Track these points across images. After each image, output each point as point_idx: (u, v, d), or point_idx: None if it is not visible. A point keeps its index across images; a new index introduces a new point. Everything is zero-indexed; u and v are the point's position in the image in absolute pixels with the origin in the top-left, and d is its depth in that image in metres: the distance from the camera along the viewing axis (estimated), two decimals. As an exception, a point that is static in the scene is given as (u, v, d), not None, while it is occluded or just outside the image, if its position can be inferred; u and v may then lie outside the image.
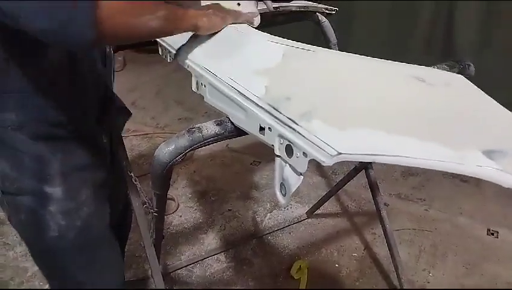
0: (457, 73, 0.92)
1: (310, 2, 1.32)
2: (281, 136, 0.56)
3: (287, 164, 0.57)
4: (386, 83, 0.60)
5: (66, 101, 0.79)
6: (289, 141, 0.55)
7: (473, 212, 1.90)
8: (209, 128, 0.70)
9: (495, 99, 0.63)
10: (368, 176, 1.46)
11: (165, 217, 1.89)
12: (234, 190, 2.08)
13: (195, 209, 1.96)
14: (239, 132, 0.70)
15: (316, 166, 2.24)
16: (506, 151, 0.48)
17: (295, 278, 1.59)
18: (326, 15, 1.33)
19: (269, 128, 0.59)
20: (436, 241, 1.76)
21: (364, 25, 2.52)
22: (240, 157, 2.31)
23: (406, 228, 1.83)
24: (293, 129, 0.54)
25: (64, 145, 0.82)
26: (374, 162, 0.57)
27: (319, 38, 1.35)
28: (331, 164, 0.49)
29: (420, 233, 1.81)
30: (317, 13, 1.32)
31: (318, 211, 1.90)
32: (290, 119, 0.56)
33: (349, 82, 0.60)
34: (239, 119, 0.66)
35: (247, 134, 0.68)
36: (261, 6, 1.16)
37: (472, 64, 0.94)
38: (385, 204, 1.96)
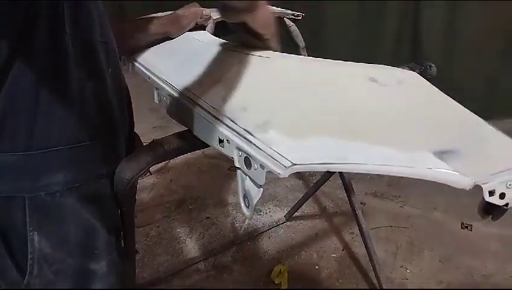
0: (420, 73, 0.94)
1: (276, 8, 1.33)
2: (238, 148, 0.56)
3: (247, 176, 0.56)
4: (340, 87, 0.61)
5: (107, 148, 0.67)
6: (246, 153, 0.54)
7: (447, 207, 1.94)
8: (171, 142, 0.69)
9: (459, 96, 0.64)
10: (341, 177, 1.48)
11: (142, 228, 1.86)
12: (212, 197, 2.06)
13: (173, 219, 1.94)
14: (202, 144, 0.70)
15: (293, 168, 2.25)
16: (459, 150, 0.49)
17: (276, 282, 1.59)
18: (293, 20, 1.34)
19: (227, 140, 0.58)
20: (413, 237, 1.79)
21: (333, 27, 2.55)
22: (216, 164, 2.30)
23: (382, 225, 1.86)
24: (249, 141, 0.54)
25: (105, 205, 0.68)
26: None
27: (289, 42, 1.36)
28: (287, 176, 0.49)
29: (396, 230, 1.83)
30: (284, 18, 1.33)
31: (296, 214, 1.90)
32: (246, 131, 0.55)
33: (306, 88, 0.61)
34: (199, 132, 0.66)
35: (209, 146, 0.68)
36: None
37: (434, 65, 0.96)
38: (361, 203, 1.99)
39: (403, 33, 2.48)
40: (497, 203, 0.47)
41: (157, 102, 0.80)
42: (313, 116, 0.55)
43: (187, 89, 0.67)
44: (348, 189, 1.48)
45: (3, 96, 0.53)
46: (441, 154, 0.47)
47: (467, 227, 1.83)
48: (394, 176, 1.75)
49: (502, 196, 0.47)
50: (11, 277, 0.60)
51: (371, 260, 1.50)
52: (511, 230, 1.74)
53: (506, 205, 0.49)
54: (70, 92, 0.57)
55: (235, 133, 0.57)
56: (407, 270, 1.64)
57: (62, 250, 0.61)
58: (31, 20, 0.52)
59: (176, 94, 0.69)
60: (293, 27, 1.35)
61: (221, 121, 0.59)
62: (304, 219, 1.91)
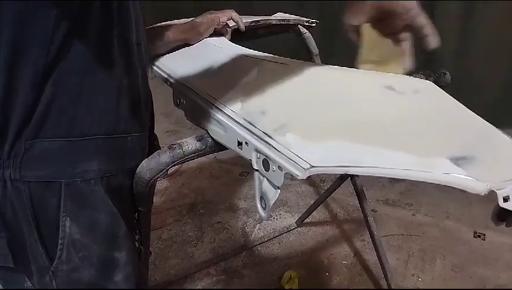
0: (434, 81, 0.95)
1: (290, 15, 1.35)
2: (257, 150, 0.57)
3: (265, 178, 0.58)
4: (357, 94, 0.62)
5: (136, 144, 0.69)
6: (265, 155, 0.56)
7: (459, 215, 1.93)
8: (190, 144, 0.71)
9: (474, 103, 0.64)
10: (354, 183, 1.48)
11: (154, 231, 1.88)
12: (223, 202, 2.07)
13: (184, 223, 1.95)
14: (219, 147, 0.71)
15: (304, 175, 2.26)
16: (474, 157, 0.49)
17: (286, 288, 1.59)
18: (307, 27, 1.36)
19: (246, 143, 0.60)
20: (424, 245, 1.78)
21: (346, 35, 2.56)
22: (228, 169, 2.31)
23: (394, 233, 1.85)
24: (268, 143, 0.55)
25: (126, 197, 0.70)
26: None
27: (302, 49, 1.38)
28: (305, 177, 0.50)
29: (408, 238, 1.82)
30: (298, 25, 1.35)
31: (307, 220, 1.91)
32: (265, 133, 0.57)
33: (322, 94, 0.62)
34: (218, 135, 0.67)
35: (227, 149, 0.69)
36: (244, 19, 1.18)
37: (448, 73, 0.97)
38: (373, 210, 1.98)
39: (415, 42, 2.47)
40: (511, 209, 0.47)
41: (175, 106, 0.82)
42: (330, 121, 0.57)
43: (206, 93, 0.69)
44: (360, 196, 1.48)
45: (52, 81, 0.55)
46: (457, 161, 0.48)
47: (479, 236, 1.81)
48: (406, 184, 1.75)
49: None
50: (41, 262, 0.62)
51: (382, 267, 1.50)
52: (525, 240, 1.72)
53: None
54: (111, 85, 0.60)
55: (254, 135, 0.58)
56: (419, 279, 1.63)
57: (89, 237, 0.63)
58: (86, 10, 0.55)
59: (195, 98, 0.71)
60: (307, 34, 1.36)
61: (240, 124, 0.61)
62: (314, 225, 1.91)
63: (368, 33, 0.66)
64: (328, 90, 0.62)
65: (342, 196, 2.00)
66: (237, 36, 1.06)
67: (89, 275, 0.64)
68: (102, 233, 0.64)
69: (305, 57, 1.39)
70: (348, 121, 0.57)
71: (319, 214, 1.95)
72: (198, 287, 1.62)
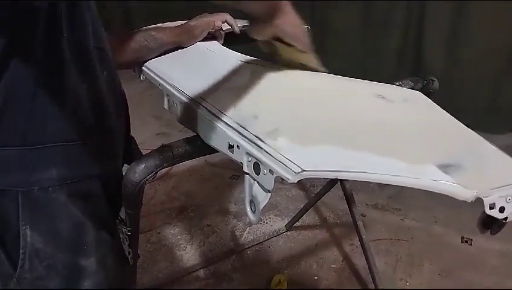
0: (421, 88, 0.96)
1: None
2: (248, 153, 0.57)
3: (255, 181, 0.58)
4: (349, 101, 0.63)
5: (101, 149, 0.68)
6: (256, 159, 0.56)
7: (448, 220, 1.95)
8: (180, 146, 0.71)
9: (464, 110, 0.66)
10: (343, 188, 1.49)
11: (143, 234, 1.87)
12: (213, 205, 2.07)
13: (174, 226, 1.94)
14: (210, 150, 0.71)
15: (294, 179, 2.26)
16: (461, 165, 0.50)
17: (275, 292, 1.59)
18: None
19: (237, 146, 0.60)
20: (413, 250, 1.79)
21: (336, 40, 2.59)
22: (218, 172, 2.31)
23: (382, 238, 1.86)
24: (259, 147, 0.55)
25: (95, 203, 0.69)
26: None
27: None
28: (296, 181, 0.51)
29: (397, 243, 1.84)
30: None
31: (297, 224, 1.91)
32: (256, 137, 0.57)
33: (315, 100, 0.62)
34: (209, 138, 0.67)
35: (218, 152, 0.69)
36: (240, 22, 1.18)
37: (436, 80, 0.98)
38: (362, 215, 1.99)
39: (405, 50, 2.51)
40: (497, 216, 0.48)
41: (166, 108, 0.81)
42: (321, 127, 0.57)
43: (198, 96, 0.69)
44: (349, 200, 1.49)
45: (1, 89, 0.54)
46: (445, 168, 0.49)
47: (467, 241, 1.83)
48: (395, 189, 1.76)
49: (502, 209, 0.49)
50: (4, 269, 0.61)
51: (370, 271, 1.51)
52: (511, 245, 1.74)
53: (505, 219, 0.50)
54: (65, 91, 0.59)
55: (245, 139, 0.58)
56: (407, 283, 1.64)
57: (53, 245, 0.62)
58: (31, 19, 0.54)
59: (187, 100, 0.71)
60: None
61: (232, 127, 0.61)
62: (304, 229, 1.92)
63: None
64: (320, 97, 0.63)
65: (332, 200, 2.00)
66: (232, 39, 1.06)
67: (55, 284, 0.63)
68: (66, 241, 0.63)
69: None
70: (339, 127, 0.57)
71: (309, 218, 1.96)
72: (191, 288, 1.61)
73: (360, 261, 1.70)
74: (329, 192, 1.72)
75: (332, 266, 1.72)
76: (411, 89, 0.93)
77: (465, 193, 0.47)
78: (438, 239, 1.85)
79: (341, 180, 1.47)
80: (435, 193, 0.50)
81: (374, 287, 1.53)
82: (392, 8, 2.42)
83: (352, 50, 2.59)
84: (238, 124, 0.61)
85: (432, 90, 0.98)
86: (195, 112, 0.69)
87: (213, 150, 0.70)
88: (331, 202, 2.02)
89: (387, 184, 1.89)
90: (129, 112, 0.80)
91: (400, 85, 0.90)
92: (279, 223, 1.94)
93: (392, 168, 0.49)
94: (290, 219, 1.91)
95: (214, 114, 0.65)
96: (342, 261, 1.74)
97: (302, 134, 0.56)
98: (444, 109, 0.65)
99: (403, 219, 1.98)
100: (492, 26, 2.23)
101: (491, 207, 0.48)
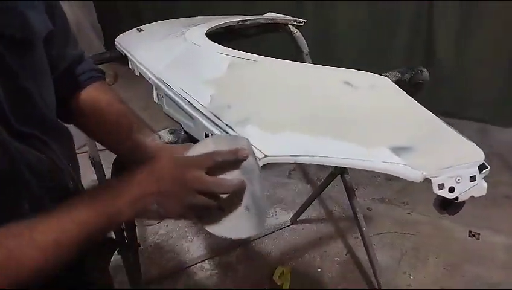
0: (410, 78, 0.97)
1: (279, 15, 1.38)
2: (221, 142, 0.60)
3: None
4: (317, 89, 0.65)
5: None
6: (227, 146, 0.59)
7: (455, 215, 1.92)
8: (163, 136, 0.74)
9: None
10: (343, 180, 1.50)
11: (151, 227, 1.93)
12: (220, 199, 2.11)
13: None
14: (192, 139, 0.75)
15: (302, 173, 2.28)
16: (414, 147, 0.52)
17: (277, 283, 1.61)
18: (297, 26, 1.39)
19: (211, 134, 0.63)
20: (418, 244, 1.78)
21: (344, 33, 2.58)
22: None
23: (388, 231, 1.86)
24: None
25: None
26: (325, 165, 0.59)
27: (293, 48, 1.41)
28: (260, 165, 0.53)
29: (402, 236, 1.83)
30: (288, 25, 1.37)
31: (302, 217, 1.93)
32: (228, 126, 0.60)
33: (285, 89, 0.65)
34: (189, 128, 0.71)
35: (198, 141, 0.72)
36: (232, 19, 1.21)
37: (425, 70, 0.98)
38: (368, 208, 2.00)
39: (414, 39, 2.48)
40: (446, 196, 0.49)
41: (156, 101, 0.85)
42: (289, 115, 0.60)
43: (180, 88, 0.72)
44: (350, 192, 1.49)
45: None
46: (397, 150, 0.51)
47: (474, 235, 1.81)
48: (403, 183, 1.74)
49: (452, 189, 0.50)
50: None
51: (371, 263, 1.51)
52: (519, 240, 1.72)
53: (456, 198, 0.51)
54: None
55: (218, 128, 0.61)
56: (411, 277, 1.64)
57: None
58: None
59: (170, 92, 0.75)
60: (297, 33, 1.39)
61: (207, 117, 0.64)
62: (309, 222, 1.93)
63: None
64: (290, 86, 0.65)
65: (337, 194, 2.01)
66: (229, 35, 1.09)
67: None
68: None
69: (299, 56, 1.40)
70: (305, 114, 0.59)
71: (314, 212, 1.97)
72: (192, 281, 1.66)
73: (364, 255, 1.69)
74: (335, 186, 1.73)
75: (336, 258, 1.74)
76: (398, 80, 0.93)
77: (414, 174, 0.49)
78: (445, 233, 1.83)
79: (342, 173, 1.49)
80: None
81: (375, 280, 1.53)
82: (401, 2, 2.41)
83: (357, 42, 2.58)
84: (212, 114, 0.64)
85: (421, 81, 0.98)
86: (177, 103, 0.72)
87: (195, 140, 0.73)
88: (337, 196, 2.03)
89: (394, 179, 1.88)
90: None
91: (387, 76, 0.90)
92: (285, 217, 1.96)
93: (349, 152, 0.51)
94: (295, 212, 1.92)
95: (192, 105, 0.68)
96: (346, 254, 1.75)
97: (270, 122, 0.58)
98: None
99: (409, 213, 1.96)
100: (503, 18, 2.18)
101: (440, 187, 0.49)
